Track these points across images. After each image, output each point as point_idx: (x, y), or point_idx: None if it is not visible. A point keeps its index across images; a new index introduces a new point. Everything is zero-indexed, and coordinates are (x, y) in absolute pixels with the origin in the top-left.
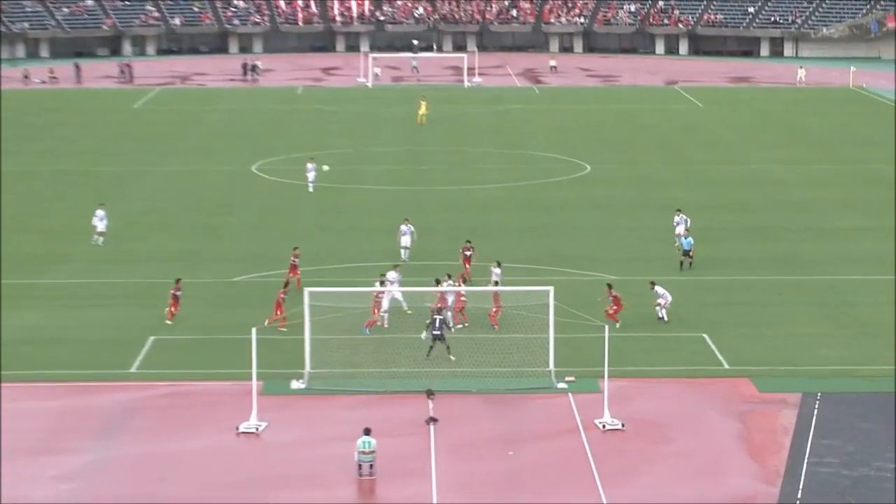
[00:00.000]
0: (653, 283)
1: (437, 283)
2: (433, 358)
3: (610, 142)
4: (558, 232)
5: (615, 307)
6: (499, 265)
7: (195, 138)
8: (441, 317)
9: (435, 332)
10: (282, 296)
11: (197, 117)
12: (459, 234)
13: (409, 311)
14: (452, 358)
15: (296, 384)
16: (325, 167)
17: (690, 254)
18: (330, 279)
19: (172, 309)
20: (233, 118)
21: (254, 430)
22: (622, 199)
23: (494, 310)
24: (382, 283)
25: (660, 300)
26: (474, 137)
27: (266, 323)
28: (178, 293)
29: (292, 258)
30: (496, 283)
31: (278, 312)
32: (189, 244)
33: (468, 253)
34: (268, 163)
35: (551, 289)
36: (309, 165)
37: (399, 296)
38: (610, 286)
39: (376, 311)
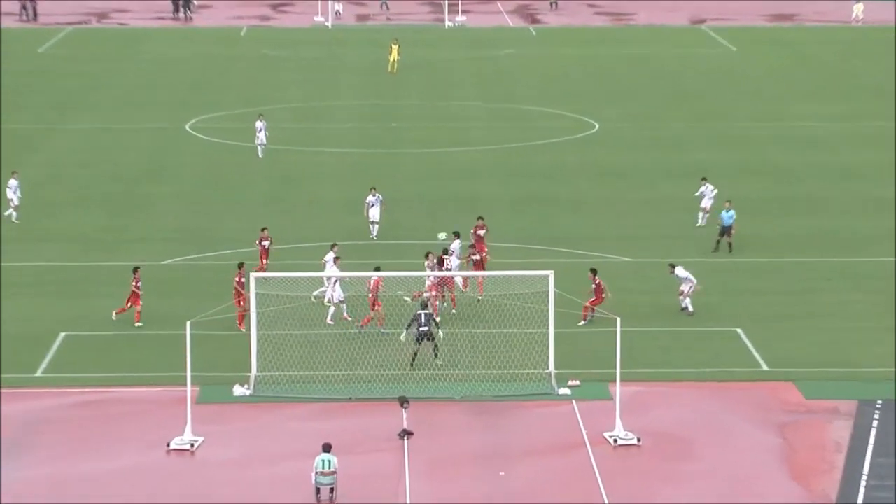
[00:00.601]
0: (672, 266)
1: (441, 262)
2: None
3: (622, 94)
4: (558, 204)
5: (595, 298)
6: (457, 237)
7: (115, 90)
8: (428, 311)
9: (422, 329)
10: (241, 280)
11: (117, 64)
12: (438, 206)
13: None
14: (439, 362)
15: (239, 390)
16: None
17: (731, 232)
18: (282, 262)
19: (134, 305)
20: (161, 65)
21: (188, 447)
22: (636, 165)
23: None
24: (377, 269)
25: (683, 287)
26: (457, 89)
27: (240, 326)
28: (139, 285)
29: (260, 241)
30: (472, 260)
31: (240, 304)
32: (109, 220)
33: (481, 232)
34: (205, 120)
35: (551, 273)
36: (258, 124)
37: (334, 283)
38: (594, 271)
39: (376, 306)
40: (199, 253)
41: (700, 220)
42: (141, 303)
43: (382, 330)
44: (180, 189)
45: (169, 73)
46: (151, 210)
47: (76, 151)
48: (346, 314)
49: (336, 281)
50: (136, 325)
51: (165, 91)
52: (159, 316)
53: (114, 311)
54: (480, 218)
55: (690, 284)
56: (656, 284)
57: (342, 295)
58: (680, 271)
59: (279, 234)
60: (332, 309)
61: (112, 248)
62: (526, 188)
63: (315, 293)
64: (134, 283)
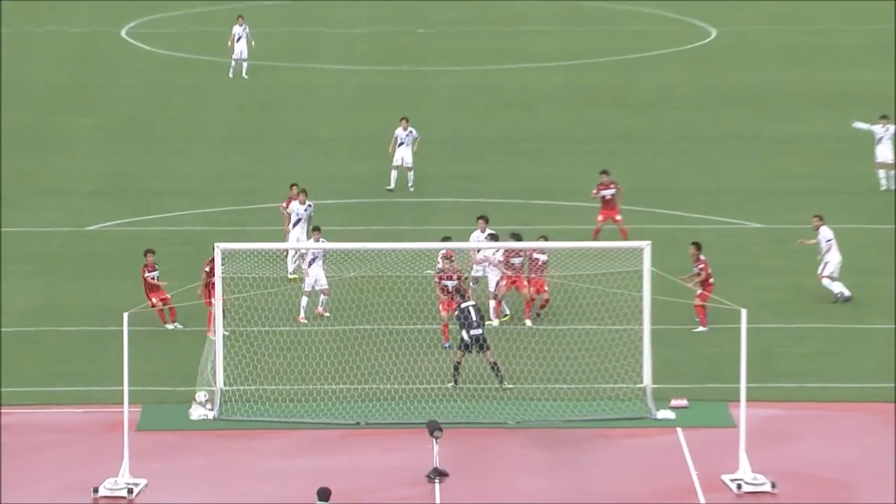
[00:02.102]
0: (820, 219)
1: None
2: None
3: None
4: (658, 145)
5: (704, 288)
6: (486, 221)
7: None
8: (472, 303)
9: (474, 332)
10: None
11: None
12: (482, 147)
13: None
14: (509, 386)
15: (198, 411)
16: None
17: None
18: (259, 229)
19: (156, 300)
20: None
21: (123, 493)
22: (771, 87)
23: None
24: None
25: (823, 268)
26: None
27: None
28: (156, 275)
29: (289, 205)
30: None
31: (209, 299)
32: (10, 164)
33: (608, 193)
34: (149, 23)
35: (647, 245)
36: (237, 29)
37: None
38: (698, 247)
39: (447, 305)
40: (139, 214)
41: (884, 182)
42: (168, 296)
43: (446, 344)
44: (112, 120)
45: None
46: (71, 150)
47: None
48: (322, 307)
49: (320, 256)
50: (171, 326)
51: None
52: (82, 305)
53: (160, 318)
54: (605, 173)
55: (834, 263)
56: (800, 261)
57: (313, 278)
58: (825, 232)
59: (254, 189)
60: (310, 281)
61: (14, 206)
62: (610, 122)
63: (291, 270)
64: (149, 274)
